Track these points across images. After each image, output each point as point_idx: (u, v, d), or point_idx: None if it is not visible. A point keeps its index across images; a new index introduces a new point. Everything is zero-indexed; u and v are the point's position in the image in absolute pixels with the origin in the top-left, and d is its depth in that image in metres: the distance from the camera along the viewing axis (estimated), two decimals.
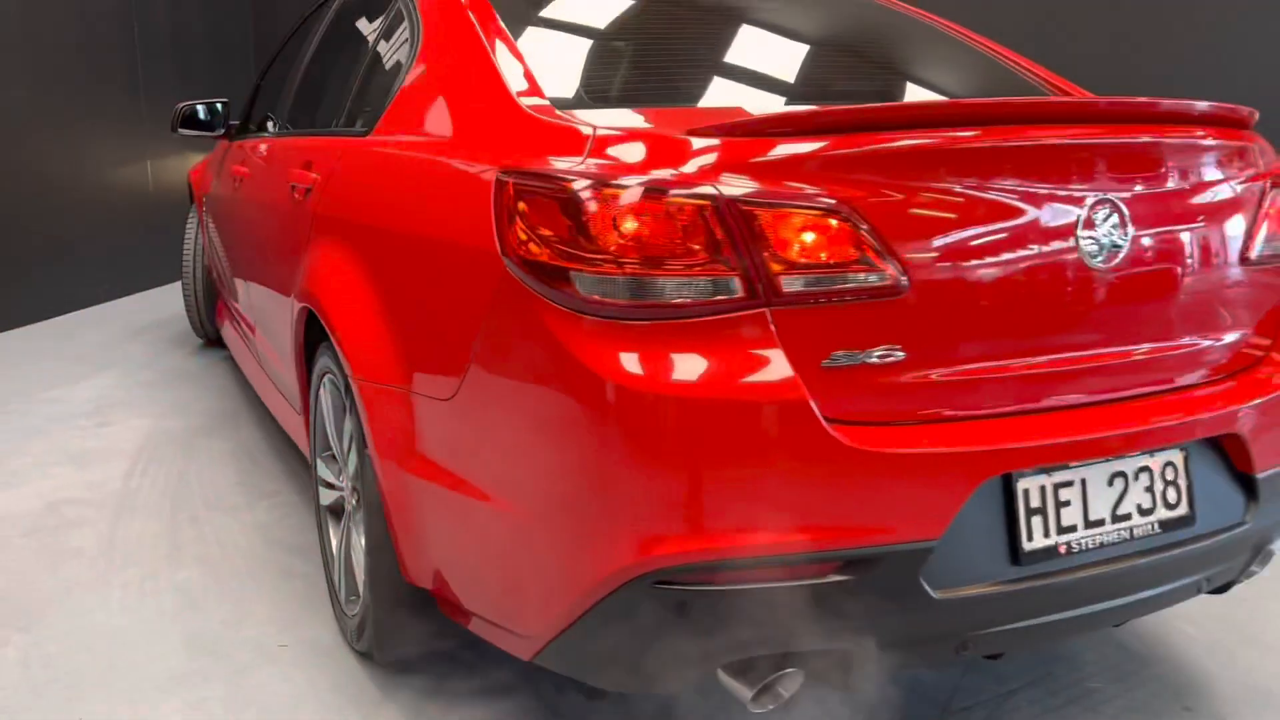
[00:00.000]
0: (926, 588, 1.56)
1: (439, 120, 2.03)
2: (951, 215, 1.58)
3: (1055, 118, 1.71)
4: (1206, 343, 1.82)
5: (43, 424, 3.96)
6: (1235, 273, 1.84)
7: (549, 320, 1.54)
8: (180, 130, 3.95)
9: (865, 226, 1.52)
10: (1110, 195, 1.67)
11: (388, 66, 2.40)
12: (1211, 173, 1.81)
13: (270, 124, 3.56)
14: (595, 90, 2.04)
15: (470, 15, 2.14)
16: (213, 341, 5.01)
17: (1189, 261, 1.78)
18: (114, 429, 3.91)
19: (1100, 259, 1.66)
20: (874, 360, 1.54)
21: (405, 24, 2.38)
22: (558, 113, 1.78)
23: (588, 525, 1.54)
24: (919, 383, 1.58)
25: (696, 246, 1.49)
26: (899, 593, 1.55)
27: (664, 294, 1.49)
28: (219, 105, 3.96)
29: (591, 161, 1.58)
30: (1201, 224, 1.79)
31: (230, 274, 3.92)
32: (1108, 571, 1.68)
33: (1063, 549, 1.65)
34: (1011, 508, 1.61)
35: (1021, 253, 1.62)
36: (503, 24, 2.10)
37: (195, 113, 3.93)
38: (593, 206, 1.51)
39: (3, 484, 3.39)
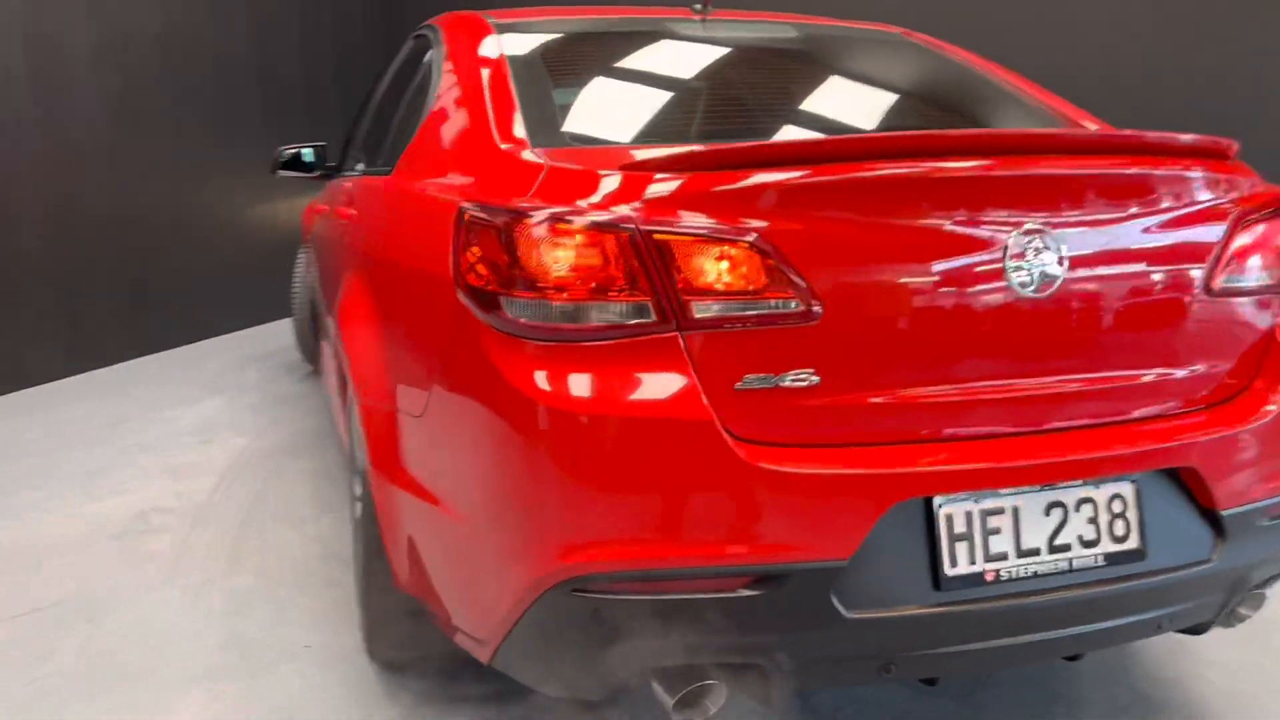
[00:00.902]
0: (839, 607, 1.59)
1: (435, 160, 2.20)
2: (870, 245, 1.63)
3: (1007, 149, 1.73)
4: (1161, 374, 1.79)
5: (153, 440, 4.32)
6: (1198, 304, 1.81)
7: (484, 341, 1.67)
8: (280, 172, 4.26)
9: (778, 256, 1.59)
10: (1043, 226, 1.68)
11: (414, 113, 2.58)
12: (1166, 203, 1.79)
13: (353, 165, 3.82)
14: (578, 131, 2.16)
15: (481, 68, 2.30)
16: (319, 369, 5.35)
17: (1139, 292, 1.76)
18: (213, 446, 4.23)
19: (1032, 289, 1.67)
20: (787, 384, 1.60)
21: (433, 75, 2.56)
22: (531, 150, 1.91)
23: (516, 533, 1.65)
24: (834, 406, 1.62)
25: (612, 274, 1.59)
26: (810, 611, 1.59)
27: (582, 318, 1.59)
28: (318, 148, 4.26)
29: (536, 196, 1.70)
30: (1153, 254, 1.77)
31: (320, 303, 4.21)
32: (1044, 602, 1.68)
33: (990, 576, 1.65)
34: (933, 532, 1.63)
35: (943, 282, 1.65)
36: (511, 73, 2.25)
37: (296, 156, 4.24)
38: (519, 236, 1.63)
39: (108, 492, 3.73)
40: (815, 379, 1.61)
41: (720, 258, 1.59)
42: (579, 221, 1.60)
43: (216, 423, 4.59)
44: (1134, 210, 1.77)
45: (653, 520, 1.56)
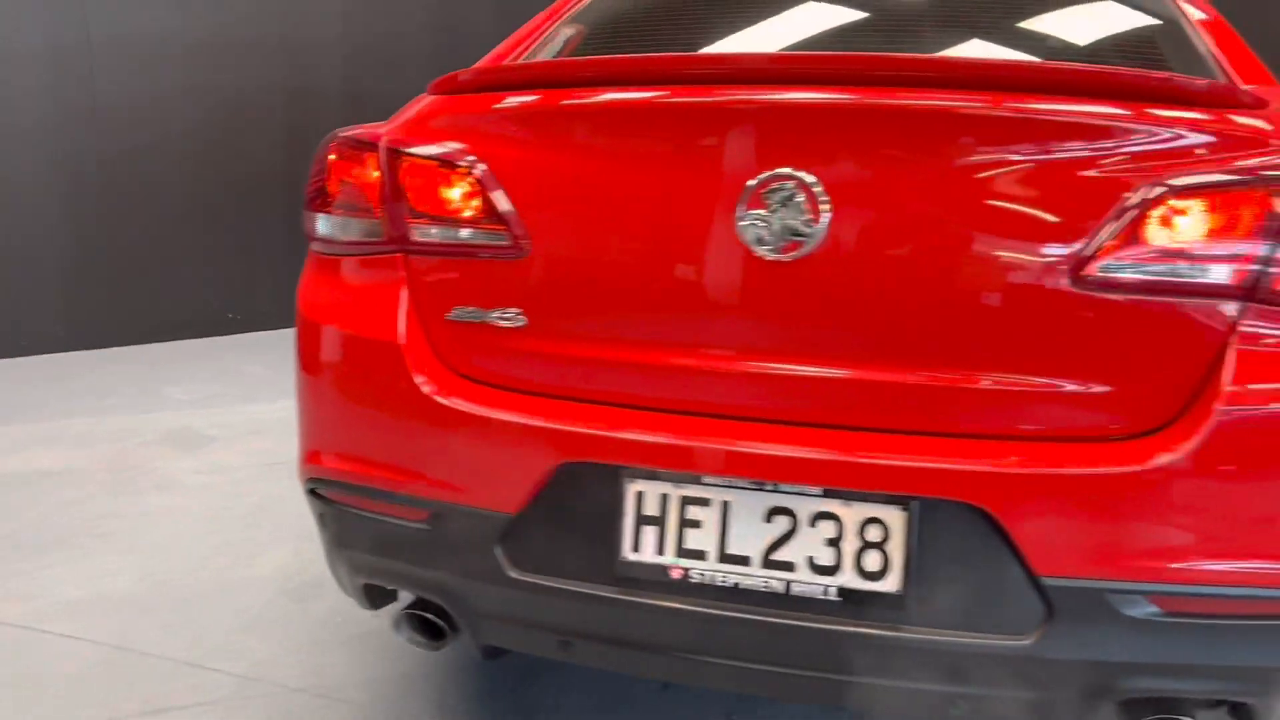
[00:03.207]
0: (502, 562, 1.49)
1: None
2: (588, 182, 1.47)
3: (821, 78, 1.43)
4: (974, 383, 1.36)
5: None
6: (1051, 298, 1.33)
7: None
8: None
9: (496, 186, 1.51)
10: (799, 174, 1.37)
11: None
12: (1013, 153, 1.34)
13: None
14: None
15: (556, 9, 2.37)
16: None
17: (950, 272, 1.35)
18: None
19: (771, 248, 1.38)
20: (494, 321, 1.52)
21: None
22: None
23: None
24: (537, 352, 1.51)
25: (360, 193, 1.63)
26: (476, 559, 1.51)
27: (333, 233, 1.66)
28: None
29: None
30: (980, 223, 1.34)
31: None
32: (748, 620, 1.40)
33: (678, 573, 1.42)
34: (619, 509, 1.45)
35: (660, 231, 1.43)
36: (565, 17, 2.29)
37: None
38: (320, 156, 1.74)
39: None
40: (522, 320, 1.51)
41: (441, 183, 1.55)
42: (339, 140, 1.67)
43: None
44: (961, 159, 1.35)
45: (351, 435, 1.61)
